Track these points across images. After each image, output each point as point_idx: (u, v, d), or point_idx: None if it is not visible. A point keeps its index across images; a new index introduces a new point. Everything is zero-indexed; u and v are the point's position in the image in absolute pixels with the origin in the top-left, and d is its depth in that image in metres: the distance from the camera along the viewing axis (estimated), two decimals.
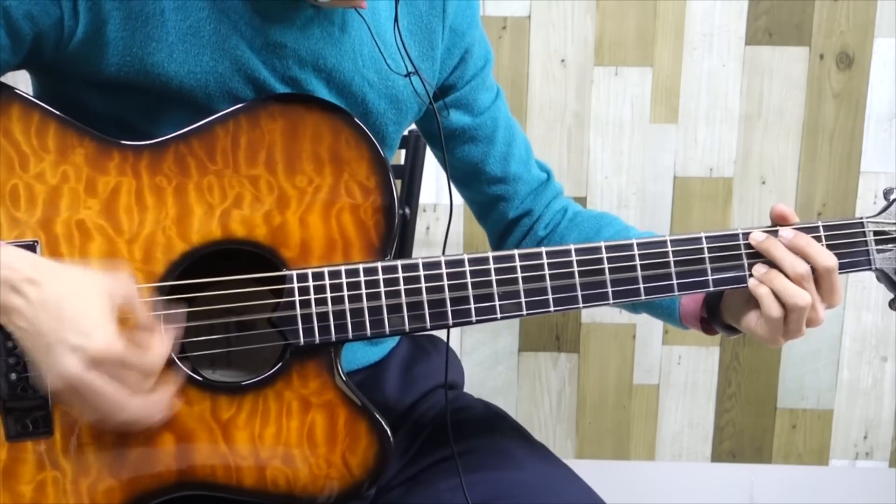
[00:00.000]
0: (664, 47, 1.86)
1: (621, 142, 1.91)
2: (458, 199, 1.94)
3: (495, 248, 1.21)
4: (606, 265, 0.94)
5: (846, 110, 1.89)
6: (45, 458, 0.89)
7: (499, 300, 0.93)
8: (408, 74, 1.01)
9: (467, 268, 0.93)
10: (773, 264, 0.94)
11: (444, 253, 0.95)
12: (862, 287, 1.96)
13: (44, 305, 0.78)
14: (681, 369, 2.01)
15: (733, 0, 1.84)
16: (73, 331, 0.78)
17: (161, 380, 0.85)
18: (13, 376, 0.86)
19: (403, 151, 1.41)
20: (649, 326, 1.99)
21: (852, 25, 1.85)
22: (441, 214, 1.95)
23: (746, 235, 0.95)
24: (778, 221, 0.97)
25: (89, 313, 0.79)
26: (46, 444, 0.89)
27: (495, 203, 1.16)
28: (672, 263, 0.95)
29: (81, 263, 0.88)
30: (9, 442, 0.88)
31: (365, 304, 0.92)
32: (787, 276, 0.93)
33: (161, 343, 0.84)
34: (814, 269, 0.93)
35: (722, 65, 1.87)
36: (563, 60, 1.88)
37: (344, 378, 0.93)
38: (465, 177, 1.15)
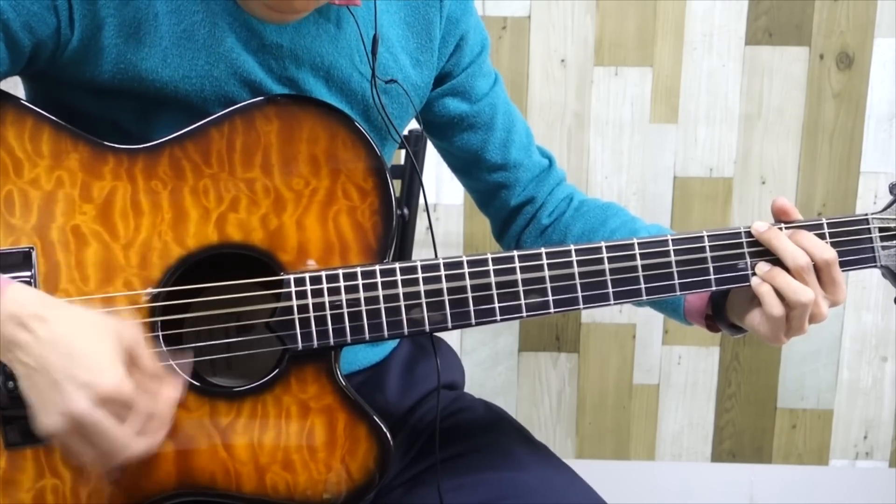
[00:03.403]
0: (664, 47, 1.86)
1: (621, 142, 1.90)
2: (457, 199, 1.96)
3: (498, 236, 1.20)
4: (607, 265, 0.93)
5: (846, 110, 1.88)
6: (45, 466, 0.88)
7: (498, 302, 0.93)
8: (389, 82, 1.00)
9: (466, 269, 0.92)
10: (775, 262, 0.93)
11: (436, 256, 0.94)
12: (862, 287, 1.95)
13: (52, 342, 0.77)
14: (681, 369, 2.00)
15: (733, 0, 1.84)
16: (82, 367, 0.77)
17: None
18: (11, 384, 0.85)
19: (403, 151, 1.40)
20: (649, 326, 1.98)
21: (852, 25, 1.84)
22: (441, 214, 1.94)
23: (749, 233, 0.95)
24: (778, 216, 0.96)
25: (99, 352, 0.78)
26: (45, 451, 0.88)
27: (497, 191, 1.15)
28: (674, 263, 0.94)
29: (77, 269, 0.88)
30: (8, 450, 0.87)
31: (363, 307, 0.91)
32: (788, 269, 0.92)
33: (170, 390, 0.83)
34: (814, 263, 0.93)
35: (722, 65, 1.86)
36: (563, 60, 1.87)
37: (343, 382, 0.93)
38: (465, 165, 1.14)
